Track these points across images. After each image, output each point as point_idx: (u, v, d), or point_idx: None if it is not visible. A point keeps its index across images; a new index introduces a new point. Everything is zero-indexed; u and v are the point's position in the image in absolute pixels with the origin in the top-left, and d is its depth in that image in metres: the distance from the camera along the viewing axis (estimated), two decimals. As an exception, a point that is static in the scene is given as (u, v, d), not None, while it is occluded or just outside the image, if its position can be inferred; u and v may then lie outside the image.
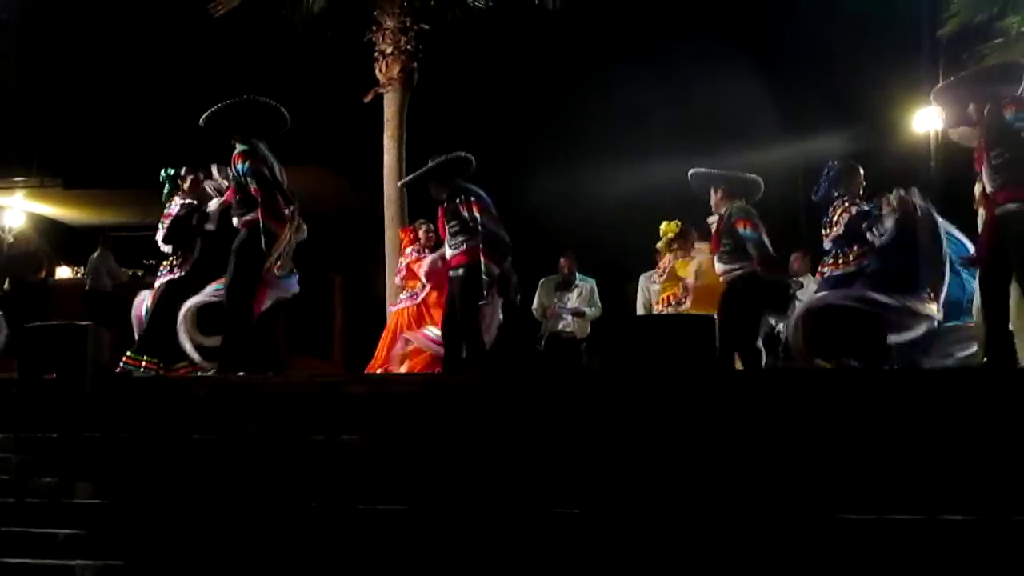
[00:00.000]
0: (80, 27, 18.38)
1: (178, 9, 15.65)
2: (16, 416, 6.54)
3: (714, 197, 8.61)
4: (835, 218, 8.01)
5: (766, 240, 8.27)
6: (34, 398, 6.54)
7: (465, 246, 8.51)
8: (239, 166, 7.87)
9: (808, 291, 10.59)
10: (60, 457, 6.18)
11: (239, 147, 7.92)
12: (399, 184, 13.03)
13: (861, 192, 8.15)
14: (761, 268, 8.23)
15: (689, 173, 8.73)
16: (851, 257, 7.92)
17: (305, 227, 8.18)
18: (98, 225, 16.89)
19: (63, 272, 17.44)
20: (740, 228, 8.28)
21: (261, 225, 7.77)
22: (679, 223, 10.06)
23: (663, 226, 10.09)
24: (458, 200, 8.55)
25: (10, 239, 17.21)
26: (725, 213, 8.46)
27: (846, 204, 8.00)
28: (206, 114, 7.98)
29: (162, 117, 16.96)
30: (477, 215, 8.45)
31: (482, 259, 8.37)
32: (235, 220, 7.99)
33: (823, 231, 8.18)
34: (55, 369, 6.57)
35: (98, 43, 18.20)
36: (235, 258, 7.91)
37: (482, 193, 8.61)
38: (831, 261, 8.09)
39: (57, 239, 18.32)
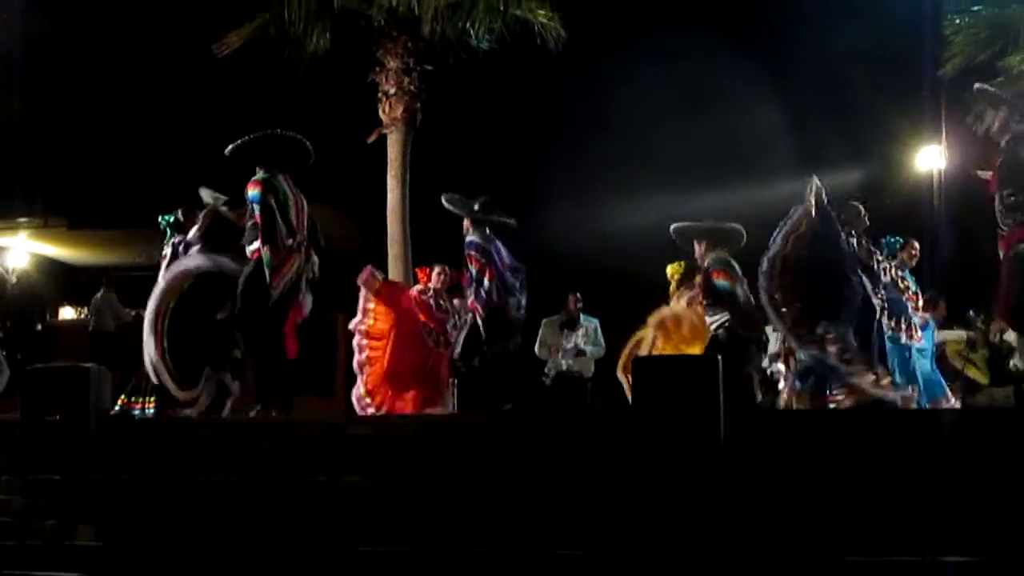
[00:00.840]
0: (84, 67, 18.47)
1: (182, 49, 15.74)
2: (19, 458, 6.51)
3: (698, 249, 8.50)
4: None
5: (739, 291, 8.18)
6: (37, 440, 6.50)
7: (472, 297, 8.94)
8: (250, 193, 7.87)
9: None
10: (62, 499, 6.15)
11: (258, 175, 7.94)
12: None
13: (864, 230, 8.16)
14: (735, 321, 8.16)
15: (671, 228, 8.70)
16: None
17: (316, 259, 8.16)
18: (102, 265, 16.85)
19: (66, 313, 17.39)
20: (715, 280, 8.23)
21: (262, 254, 7.78)
22: (682, 263, 10.04)
23: (669, 269, 10.09)
24: (466, 253, 8.93)
25: (13, 280, 17.18)
26: (704, 265, 8.45)
27: None
28: (232, 146, 8.01)
29: (166, 157, 17.03)
30: (473, 270, 8.85)
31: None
32: (247, 248, 7.99)
33: None
34: (58, 411, 6.55)
35: (102, 83, 18.28)
36: (240, 288, 7.85)
37: (489, 248, 8.92)
38: None
39: (61, 279, 18.30)
